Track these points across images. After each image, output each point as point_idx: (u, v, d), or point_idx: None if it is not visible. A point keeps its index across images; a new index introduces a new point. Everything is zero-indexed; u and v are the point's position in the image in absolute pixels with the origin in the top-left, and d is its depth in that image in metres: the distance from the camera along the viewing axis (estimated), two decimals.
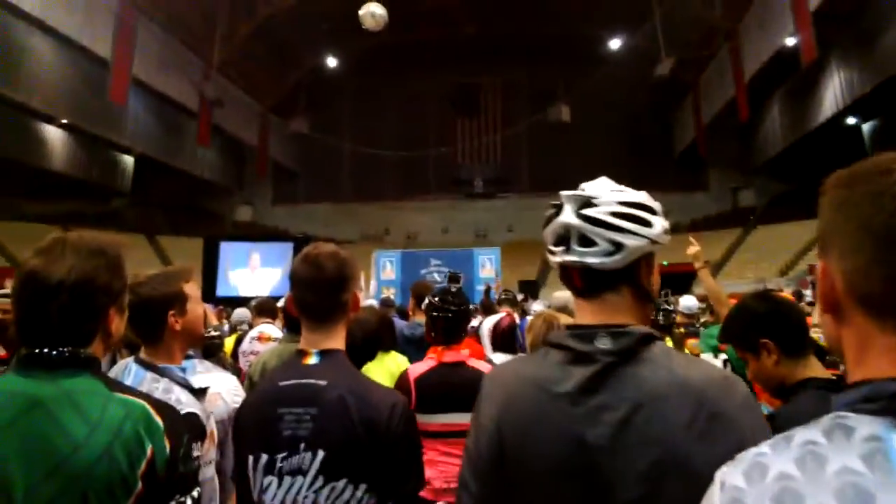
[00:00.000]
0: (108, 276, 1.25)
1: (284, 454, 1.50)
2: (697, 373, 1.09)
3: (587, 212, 1.18)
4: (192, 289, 2.08)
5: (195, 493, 1.28)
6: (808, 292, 17.16)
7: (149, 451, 1.18)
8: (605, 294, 1.19)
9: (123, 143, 28.00)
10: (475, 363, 2.88)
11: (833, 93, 25.26)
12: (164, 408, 1.28)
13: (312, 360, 1.61)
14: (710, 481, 0.95)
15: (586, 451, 1.04)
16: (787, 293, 16.08)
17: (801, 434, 0.73)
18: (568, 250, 1.18)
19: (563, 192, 1.23)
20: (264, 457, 1.52)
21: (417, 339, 4.37)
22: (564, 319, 2.83)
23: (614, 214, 1.17)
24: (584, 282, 1.19)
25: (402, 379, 2.80)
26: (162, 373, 1.95)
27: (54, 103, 23.49)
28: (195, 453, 1.80)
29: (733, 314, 2.08)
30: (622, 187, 1.25)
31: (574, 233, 1.17)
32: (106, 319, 1.27)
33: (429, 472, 2.45)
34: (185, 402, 1.88)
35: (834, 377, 1.92)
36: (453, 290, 3.05)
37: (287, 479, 1.49)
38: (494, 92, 38.99)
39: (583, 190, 1.22)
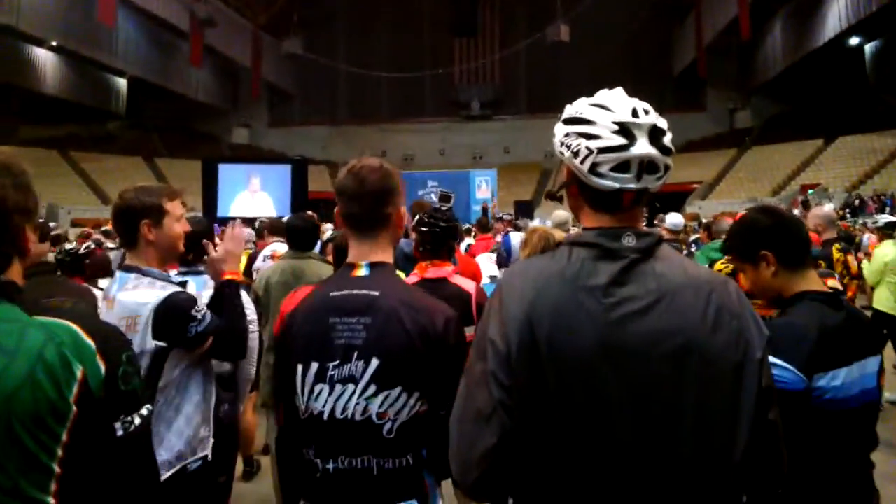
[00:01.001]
0: (19, 194, 1.16)
1: (336, 362, 1.51)
2: (703, 272, 1.23)
3: (662, 142, 1.21)
4: (175, 207, 2.19)
5: (144, 411, 1.23)
6: (797, 211, 17.63)
7: (79, 374, 1.11)
8: (634, 208, 1.24)
9: (115, 65, 27.60)
10: (458, 280, 2.91)
11: (837, 12, 24.79)
12: (96, 327, 1.20)
13: (362, 271, 1.61)
14: (719, 361, 1.11)
15: (617, 334, 1.11)
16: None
17: None
18: (639, 178, 1.19)
19: (635, 119, 1.19)
20: (315, 365, 1.53)
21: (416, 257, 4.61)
22: (559, 235, 2.87)
23: (669, 140, 1.23)
24: (632, 202, 1.23)
25: None
26: (145, 273, 2.11)
27: (43, 25, 23.03)
28: (197, 321, 2.05)
29: (737, 226, 2.09)
30: (645, 104, 1.25)
31: (648, 162, 1.18)
32: (23, 240, 1.18)
33: None
34: (169, 286, 2.10)
35: (831, 290, 1.94)
36: (443, 208, 3.12)
37: (338, 387, 1.51)
38: (492, 12, 37.96)
39: (605, 104, 1.22)
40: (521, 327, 1.13)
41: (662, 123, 1.22)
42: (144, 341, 1.99)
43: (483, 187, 18.28)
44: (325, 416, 1.53)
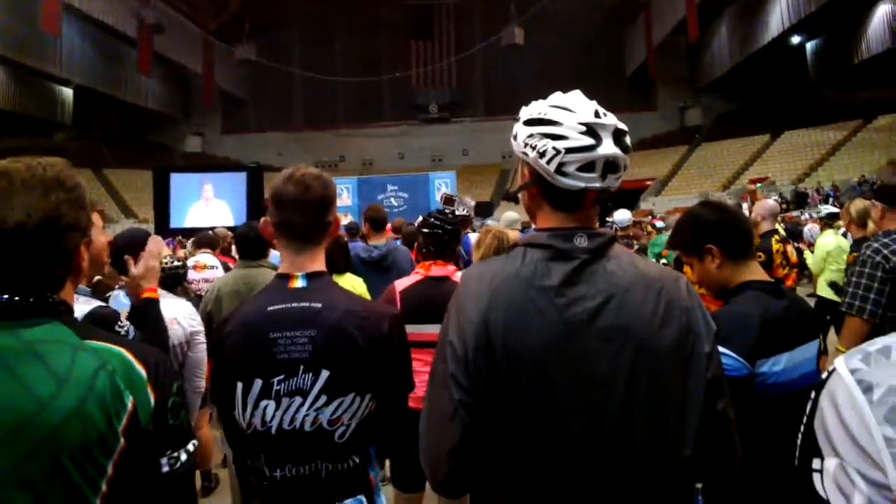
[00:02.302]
0: (74, 211, 1.10)
1: (281, 377, 1.49)
2: (653, 268, 1.26)
3: (624, 142, 1.24)
4: (97, 219, 2.06)
5: (190, 447, 1.16)
6: (745, 205, 18.16)
7: (130, 405, 1.05)
8: (592, 207, 1.27)
9: (61, 74, 26.75)
10: (459, 277, 3.10)
11: (780, 11, 25.73)
12: (147, 354, 1.13)
13: (299, 283, 1.57)
14: (668, 355, 1.14)
15: (569, 333, 1.14)
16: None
17: None
18: (604, 178, 1.21)
19: (598, 120, 1.22)
20: (258, 381, 1.49)
21: (374, 261, 4.53)
22: (512, 235, 2.93)
23: (628, 140, 1.26)
24: (593, 202, 1.25)
25: (389, 292, 2.88)
26: None
27: None
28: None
29: (683, 221, 2.15)
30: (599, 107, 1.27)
31: (612, 162, 1.21)
32: (77, 259, 1.13)
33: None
34: (92, 301, 2.09)
35: (772, 280, 2.03)
36: (446, 210, 3.14)
37: (285, 401, 1.49)
38: (448, 15, 38.14)
39: (567, 106, 1.25)
40: (478, 329, 1.16)
41: (621, 125, 1.26)
42: None
43: (443, 189, 18.31)
44: (273, 429, 1.50)
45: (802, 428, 0.81)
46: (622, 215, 6.91)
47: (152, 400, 1.08)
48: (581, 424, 1.12)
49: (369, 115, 38.47)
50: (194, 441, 1.18)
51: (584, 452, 1.12)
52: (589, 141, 1.19)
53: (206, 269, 4.98)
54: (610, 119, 1.24)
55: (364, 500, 1.57)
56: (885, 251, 2.71)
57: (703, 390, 1.16)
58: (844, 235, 6.33)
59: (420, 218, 3.14)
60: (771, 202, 6.40)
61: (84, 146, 33.72)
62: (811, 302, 6.39)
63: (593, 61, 35.92)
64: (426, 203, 17.24)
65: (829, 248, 6.38)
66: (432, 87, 39.20)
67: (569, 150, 1.19)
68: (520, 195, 1.35)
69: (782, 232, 5.48)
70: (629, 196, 28.94)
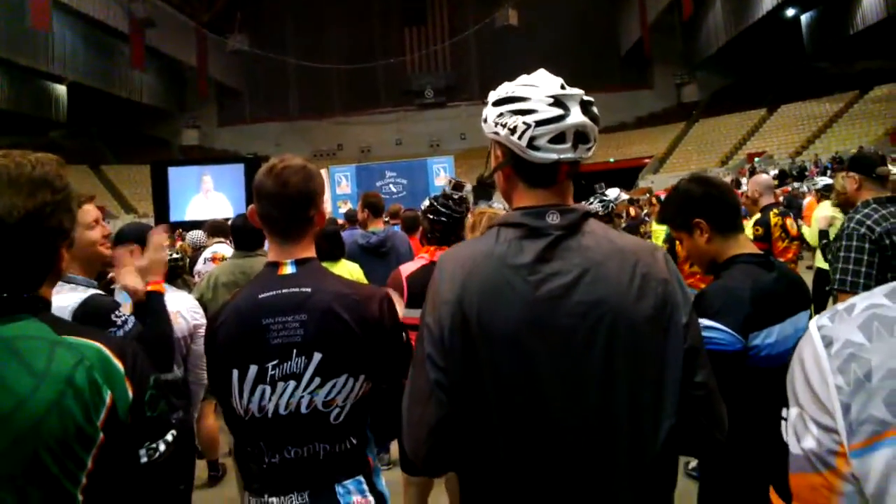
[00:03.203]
0: (58, 213, 1.10)
1: (275, 362, 1.51)
2: (629, 241, 1.26)
3: (592, 111, 1.25)
4: (82, 215, 2.05)
5: (169, 437, 1.17)
6: (744, 180, 18.14)
7: (108, 399, 1.05)
8: (563, 182, 1.27)
9: (53, 71, 26.63)
10: None
11: None
12: (124, 348, 1.14)
13: (288, 269, 1.59)
14: (645, 327, 1.14)
15: (544, 309, 1.14)
16: (726, 181, 16.98)
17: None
18: (575, 148, 1.22)
19: (564, 91, 1.24)
20: (253, 368, 1.52)
21: (372, 247, 4.52)
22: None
23: (596, 110, 1.27)
24: (567, 175, 1.27)
25: (395, 276, 2.88)
26: (68, 280, 2.05)
27: None
28: (117, 326, 1.95)
29: (670, 196, 2.15)
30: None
31: (582, 131, 1.22)
32: (57, 259, 1.14)
33: None
34: (90, 290, 2.06)
35: (761, 252, 2.01)
36: (455, 196, 3.03)
37: (280, 385, 1.51)
38: None
39: (532, 83, 1.26)
40: (453, 309, 1.17)
41: (587, 97, 1.26)
42: None
43: (441, 175, 18.31)
44: (270, 413, 1.53)
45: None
46: (614, 192, 6.96)
47: (130, 393, 1.09)
48: (560, 400, 1.13)
49: (365, 102, 38.29)
50: (173, 431, 1.19)
51: (564, 428, 1.13)
52: (557, 111, 1.21)
53: (225, 260, 4.89)
54: (576, 90, 1.25)
55: (363, 480, 1.59)
56: (868, 221, 2.71)
57: (682, 361, 1.16)
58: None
59: (427, 202, 3.06)
60: (765, 176, 6.42)
61: (80, 143, 33.66)
62: (810, 274, 6.44)
63: (588, 40, 35.73)
64: (425, 188, 17.25)
65: None
66: (427, 72, 39.00)
67: (539, 123, 1.20)
68: (495, 178, 1.36)
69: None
70: (628, 174, 28.91)
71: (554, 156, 1.21)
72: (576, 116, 1.21)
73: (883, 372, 0.72)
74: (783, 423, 0.83)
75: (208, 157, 32.88)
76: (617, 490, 1.15)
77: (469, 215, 2.86)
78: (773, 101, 31.18)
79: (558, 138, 1.21)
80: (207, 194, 21.48)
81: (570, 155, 1.22)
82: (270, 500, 1.56)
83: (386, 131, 38.18)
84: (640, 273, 1.18)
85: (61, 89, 29.41)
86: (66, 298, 1.99)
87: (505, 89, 1.28)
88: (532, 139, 1.21)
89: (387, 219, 6.91)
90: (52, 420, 1.00)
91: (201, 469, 4.25)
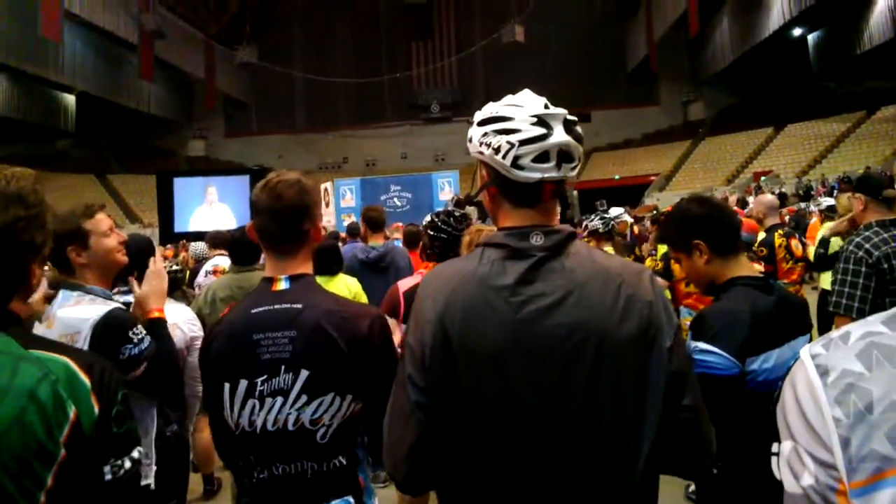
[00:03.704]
0: (30, 229, 1.08)
1: (264, 377, 1.51)
2: (615, 262, 1.25)
3: (575, 131, 1.25)
4: (97, 224, 2.10)
5: (135, 454, 1.14)
6: (751, 199, 18.11)
7: (72, 414, 1.03)
8: (548, 202, 1.28)
9: (63, 81, 26.82)
10: None
11: (780, 4, 25.55)
12: (91, 362, 1.11)
13: (282, 285, 1.60)
14: (629, 349, 1.13)
15: (525, 331, 1.14)
16: (732, 200, 16.92)
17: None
18: (559, 167, 1.22)
19: (548, 111, 1.24)
20: (243, 382, 1.52)
21: (372, 261, 4.53)
22: None
23: (579, 130, 1.28)
24: (552, 194, 1.27)
25: (392, 292, 2.89)
26: (88, 291, 2.07)
27: None
28: (133, 343, 1.96)
29: (670, 216, 2.14)
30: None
31: (565, 150, 1.23)
32: (28, 275, 1.13)
33: None
34: (111, 303, 2.06)
35: (761, 275, 2.01)
36: (457, 213, 3.05)
37: (268, 401, 1.51)
38: (447, 14, 38.16)
39: (516, 103, 1.27)
40: (435, 329, 1.17)
41: (571, 116, 1.27)
42: None
43: (446, 189, 18.29)
44: (258, 429, 1.53)
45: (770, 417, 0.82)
46: (616, 211, 7.03)
47: (96, 409, 1.07)
48: (542, 422, 1.13)
49: (371, 116, 38.48)
50: (139, 448, 1.17)
51: (545, 450, 1.12)
52: (540, 131, 1.21)
53: (227, 273, 4.90)
54: (559, 110, 1.26)
55: (352, 500, 1.58)
56: (867, 245, 2.68)
57: (665, 384, 1.14)
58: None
59: (428, 217, 3.08)
60: (769, 196, 6.38)
61: (87, 152, 33.91)
62: (815, 295, 6.38)
63: (594, 57, 35.91)
64: (429, 202, 17.23)
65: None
66: (433, 86, 39.21)
67: (522, 142, 1.21)
68: (481, 198, 1.37)
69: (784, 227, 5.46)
70: (633, 191, 28.89)
71: (538, 175, 1.22)
72: (559, 135, 1.22)
73: (885, 404, 0.67)
74: (773, 458, 0.79)
75: (214, 168, 33.09)
76: None
77: (466, 233, 2.84)
78: (779, 120, 31.17)
79: (542, 157, 1.22)
80: (212, 205, 21.60)
81: (553, 174, 1.22)
82: None
83: (391, 145, 38.32)
84: (625, 294, 1.17)
85: (70, 99, 29.65)
86: (86, 311, 1.99)
87: (489, 109, 1.29)
88: (516, 158, 1.21)
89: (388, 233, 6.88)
90: (13, 436, 0.97)
91: (196, 482, 4.21)
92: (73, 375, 1.06)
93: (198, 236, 8.95)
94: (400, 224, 7.48)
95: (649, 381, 1.14)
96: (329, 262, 3.78)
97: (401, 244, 5.48)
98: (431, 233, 2.95)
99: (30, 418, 0.99)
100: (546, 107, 1.26)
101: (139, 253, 2.52)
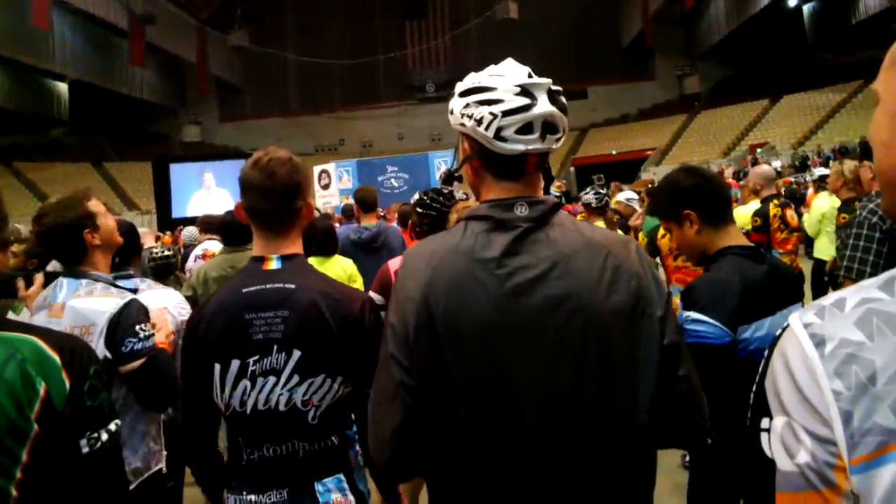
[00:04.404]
0: None
1: (256, 357, 1.51)
2: (600, 234, 1.22)
3: (560, 101, 1.21)
4: (96, 205, 2.11)
5: (112, 427, 1.16)
6: (748, 169, 18.09)
7: (42, 391, 1.04)
8: (532, 175, 1.24)
9: (54, 69, 26.66)
10: None
11: None
12: (61, 340, 1.13)
13: (274, 264, 1.58)
14: (617, 321, 1.10)
15: (513, 306, 1.11)
16: (728, 173, 16.92)
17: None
18: (543, 139, 1.19)
19: (532, 80, 1.20)
20: (235, 362, 1.51)
21: (364, 242, 4.52)
22: None
23: (564, 100, 1.23)
24: (536, 167, 1.23)
25: (383, 271, 2.88)
26: (96, 279, 2.05)
27: None
28: (138, 338, 1.95)
29: (660, 187, 2.12)
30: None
31: (550, 121, 1.19)
32: None
33: None
34: (126, 294, 2.05)
35: (752, 244, 1.98)
36: (445, 191, 3.02)
37: (260, 380, 1.51)
38: None
39: (499, 73, 1.23)
40: (418, 307, 1.14)
41: (555, 86, 1.23)
42: (98, 352, 1.87)
43: (443, 169, 18.26)
44: (249, 409, 1.53)
45: (754, 388, 0.78)
46: (627, 194, 6.97)
47: (67, 384, 1.08)
48: (530, 398, 1.10)
49: (366, 97, 38.20)
50: (117, 421, 1.18)
51: (533, 426, 1.10)
52: (524, 101, 1.18)
53: (216, 257, 4.87)
54: (543, 79, 1.22)
55: (344, 479, 1.58)
56: (881, 210, 2.69)
57: (658, 356, 1.13)
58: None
59: (416, 195, 3.07)
60: (765, 167, 6.41)
61: (82, 140, 33.72)
62: (810, 265, 6.42)
63: (589, 32, 35.58)
64: (427, 182, 17.18)
65: (823, 209, 6.36)
66: (428, 66, 38.86)
67: (505, 113, 1.17)
68: (463, 172, 1.33)
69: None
70: (630, 166, 28.85)
71: (521, 147, 1.18)
72: (543, 106, 1.18)
73: (889, 374, 0.63)
74: (763, 434, 0.74)
75: (209, 152, 32.94)
76: (590, 490, 1.12)
77: (453, 211, 2.83)
78: (775, 91, 31.00)
79: (525, 128, 1.18)
80: (210, 190, 21.56)
81: (538, 146, 1.19)
82: (249, 497, 1.55)
83: (387, 126, 38.12)
84: (612, 266, 1.15)
85: (63, 87, 29.43)
86: (102, 303, 1.98)
87: (471, 80, 1.25)
88: (499, 129, 1.17)
89: (383, 213, 6.85)
90: None
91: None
92: (42, 353, 1.07)
93: (195, 222, 9.00)
94: (398, 203, 7.48)
95: (640, 352, 1.12)
96: (324, 242, 3.79)
97: (396, 224, 5.52)
98: (420, 210, 2.94)
99: None
100: (529, 76, 1.21)
101: (127, 235, 2.52)
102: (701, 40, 33.70)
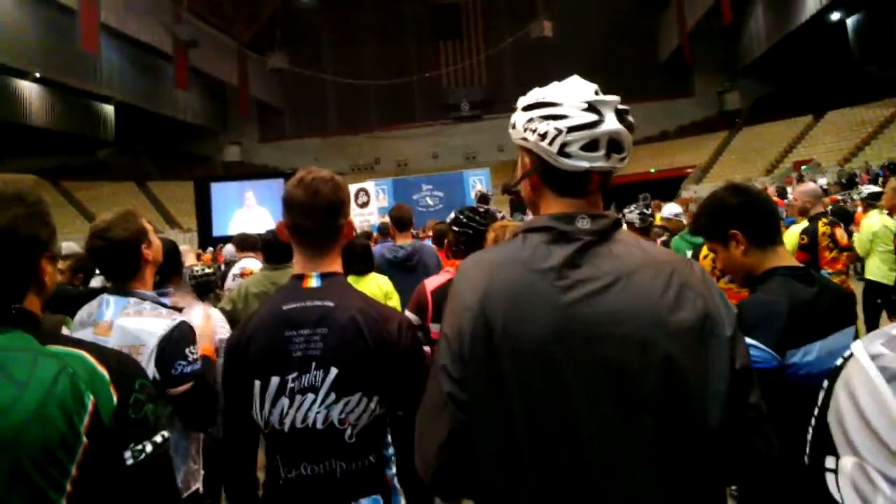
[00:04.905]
0: (32, 225, 1.13)
1: (295, 374, 1.52)
2: (663, 252, 1.20)
3: (627, 119, 1.19)
4: (145, 223, 2.17)
5: (158, 438, 1.18)
6: (790, 189, 17.65)
7: (90, 404, 1.07)
8: (594, 193, 1.22)
9: (101, 92, 27.65)
10: None
11: None
12: (109, 355, 1.17)
13: (314, 282, 1.60)
14: (683, 340, 1.06)
15: (573, 318, 1.07)
16: (770, 191, 16.52)
17: None
18: (608, 157, 1.17)
19: (599, 97, 1.18)
20: (275, 379, 1.53)
21: (399, 261, 4.52)
22: None
23: (631, 118, 1.22)
24: (598, 185, 1.21)
25: (420, 291, 2.87)
26: (143, 297, 2.07)
27: (24, 57, 23.12)
28: (187, 361, 1.99)
29: (705, 205, 2.07)
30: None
31: (616, 140, 1.17)
32: (38, 271, 1.15)
33: None
34: (175, 314, 2.07)
35: (801, 265, 1.93)
36: (481, 209, 3.03)
37: (298, 398, 1.52)
38: (475, 12, 38.11)
39: (566, 88, 1.22)
40: (475, 317, 1.11)
41: (622, 105, 1.21)
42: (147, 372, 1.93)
43: (478, 187, 18.29)
44: (287, 427, 1.53)
45: (813, 421, 0.73)
46: (672, 209, 6.81)
47: (115, 398, 1.11)
48: (590, 414, 1.05)
49: (402, 116, 38.66)
50: (163, 433, 1.20)
51: (592, 442, 1.04)
52: (591, 117, 1.15)
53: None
54: (611, 97, 1.19)
55: (381, 500, 1.58)
56: None
57: (729, 379, 1.07)
58: (890, 215, 6.09)
59: (452, 214, 3.06)
60: (811, 185, 6.21)
61: (127, 161, 34.79)
62: (861, 286, 6.16)
63: (625, 49, 35.39)
64: (461, 200, 17.22)
65: (874, 228, 6.14)
66: (463, 85, 39.19)
67: (571, 129, 1.15)
68: (520, 187, 1.30)
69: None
70: (670, 185, 28.39)
71: (585, 164, 1.16)
72: (610, 123, 1.16)
73: None
74: (829, 475, 0.68)
75: (249, 172, 33.68)
76: None
77: (490, 230, 2.78)
78: (819, 107, 30.28)
79: (591, 146, 1.16)
80: (251, 209, 22.00)
81: (602, 163, 1.16)
82: None
83: (422, 145, 38.43)
84: (677, 283, 1.11)
85: (109, 109, 30.49)
86: (152, 323, 1.99)
87: (535, 94, 1.23)
88: (563, 145, 1.16)
89: (416, 232, 6.83)
90: (34, 429, 1.01)
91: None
92: (91, 368, 1.10)
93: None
94: (434, 221, 7.46)
95: (709, 373, 1.06)
96: (360, 261, 3.79)
97: (431, 243, 5.47)
98: (456, 228, 2.93)
99: (50, 411, 1.03)
100: (596, 93, 1.19)
101: (170, 254, 2.56)
102: (741, 56, 33.20)
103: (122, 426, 1.11)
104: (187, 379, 1.98)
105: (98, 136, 30.70)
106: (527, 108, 1.23)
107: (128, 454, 1.12)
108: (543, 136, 1.17)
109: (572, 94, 1.19)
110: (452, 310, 1.17)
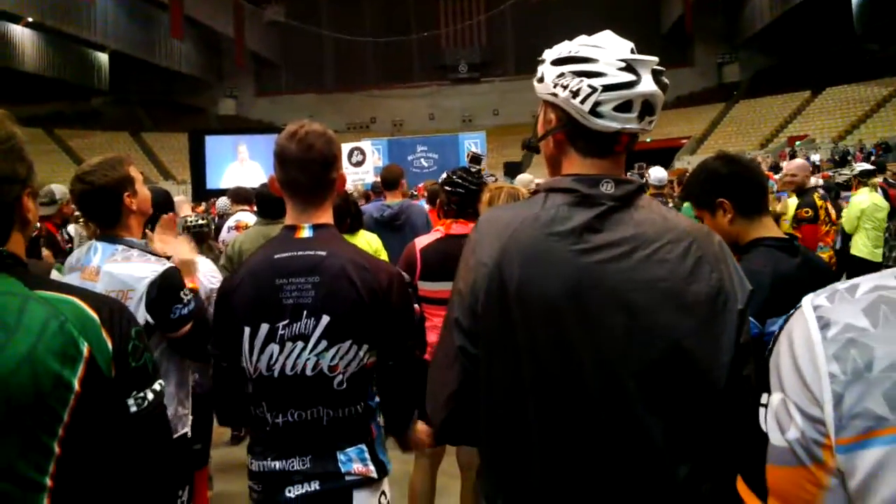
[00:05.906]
0: (7, 161, 1.06)
1: (286, 321, 1.53)
2: (684, 220, 1.17)
3: (662, 80, 1.15)
4: (136, 172, 2.10)
5: (157, 386, 1.17)
6: (784, 164, 17.74)
7: (85, 351, 1.03)
8: (620, 155, 1.19)
9: (95, 39, 27.18)
10: None
11: None
12: (100, 300, 1.13)
13: (306, 233, 1.61)
14: (696, 312, 1.05)
15: (589, 282, 1.06)
16: (764, 165, 16.60)
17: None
18: (640, 118, 1.13)
19: (636, 56, 1.14)
20: (265, 326, 1.54)
21: (386, 220, 4.50)
22: (525, 193, 2.85)
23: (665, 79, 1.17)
24: (626, 147, 1.17)
25: (409, 249, 2.88)
26: (130, 244, 2.03)
27: (17, 1, 22.68)
28: (183, 303, 1.98)
29: (695, 173, 2.07)
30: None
31: (650, 102, 1.13)
32: (20, 209, 1.10)
33: (431, 337, 2.57)
34: (163, 260, 2.04)
35: (786, 236, 1.93)
36: (473, 169, 3.01)
37: (289, 345, 1.54)
38: None
39: (600, 44, 1.16)
40: (490, 273, 1.11)
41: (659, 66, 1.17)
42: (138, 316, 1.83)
43: (472, 149, 18.27)
44: (276, 373, 1.56)
45: (762, 364, 0.80)
46: (658, 173, 6.68)
47: (109, 345, 1.07)
48: (596, 373, 1.06)
49: (399, 75, 38.20)
50: (160, 381, 1.19)
51: (596, 404, 1.06)
52: (628, 77, 1.11)
53: (248, 229, 4.68)
54: (648, 56, 1.15)
55: (365, 448, 1.62)
56: None
57: (733, 351, 1.07)
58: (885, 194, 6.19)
59: (444, 174, 3.05)
60: (800, 160, 6.29)
61: (121, 110, 34.42)
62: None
63: (627, 16, 34.76)
64: (456, 163, 17.21)
65: (863, 205, 6.22)
66: (461, 46, 38.65)
67: (606, 88, 1.10)
68: (541, 144, 1.26)
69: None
70: (663, 154, 28.39)
71: (617, 125, 1.11)
72: (647, 84, 1.11)
73: (887, 363, 0.64)
74: (762, 409, 0.76)
75: (244, 126, 33.35)
76: (659, 479, 1.07)
77: (485, 191, 2.84)
78: (818, 83, 30.15)
79: (624, 106, 1.11)
80: (243, 163, 21.85)
81: (633, 125, 1.12)
82: (273, 463, 1.59)
83: (419, 105, 38.11)
84: (695, 255, 1.10)
85: (103, 57, 30.06)
86: (140, 269, 1.99)
87: (567, 48, 1.17)
88: (596, 104, 1.10)
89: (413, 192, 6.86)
90: (24, 374, 0.98)
91: (225, 430, 4.36)
92: (83, 313, 1.06)
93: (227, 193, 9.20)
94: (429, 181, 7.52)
95: (717, 347, 1.07)
96: (350, 219, 3.79)
97: (425, 203, 5.57)
98: (448, 188, 2.94)
99: (40, 356, 0.99)
100: (632, 51, 1.14)
101: (162, 206, 2.55)
102: (742, 28, 32.87)
103: (122, 374, 1.09)
104: (186, 321, 2.01)
105: (92, 85, 30.30)
106: (557, 62, 1.16)
107: (131, 402, 1.11)
108: (576, 94, 1.11)
109: (609, 51, 1.13)
110: (467, 265, 1.16)
